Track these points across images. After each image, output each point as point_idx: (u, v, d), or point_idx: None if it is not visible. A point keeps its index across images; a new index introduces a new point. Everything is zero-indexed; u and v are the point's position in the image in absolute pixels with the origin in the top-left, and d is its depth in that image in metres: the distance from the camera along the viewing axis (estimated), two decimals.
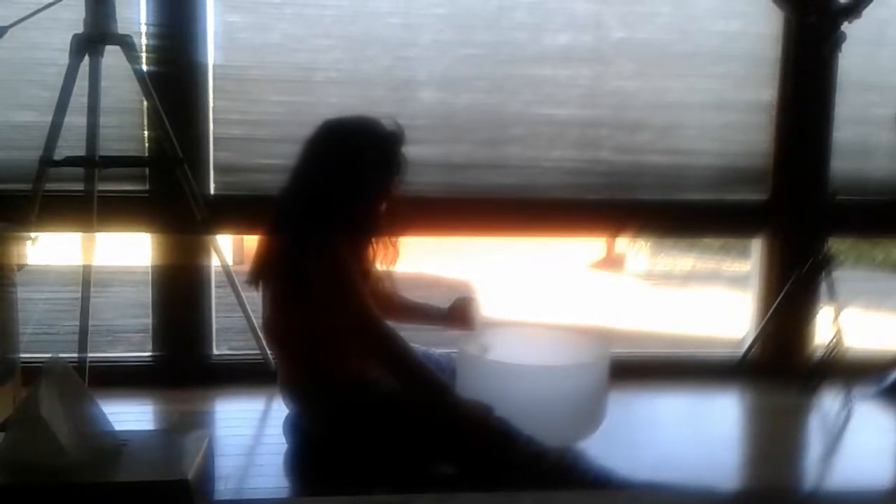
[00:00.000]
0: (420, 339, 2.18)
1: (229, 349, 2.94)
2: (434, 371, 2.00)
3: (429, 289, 3.50)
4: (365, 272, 2.07)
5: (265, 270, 2.03)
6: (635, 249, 6.59)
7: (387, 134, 2.01)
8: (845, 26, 2.55)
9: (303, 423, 2.09)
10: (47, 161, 2.38)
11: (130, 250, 3.14)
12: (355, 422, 1.95)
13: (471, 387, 2.00)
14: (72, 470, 1.22)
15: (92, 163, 2.36)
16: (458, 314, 2.23)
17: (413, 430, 1.90)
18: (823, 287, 2.74)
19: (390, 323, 1.99)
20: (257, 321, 2.68)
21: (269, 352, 2.58)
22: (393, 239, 2.10)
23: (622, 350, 2.85)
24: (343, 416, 1.97)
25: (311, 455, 2.12)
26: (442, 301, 2.31)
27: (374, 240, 2.08)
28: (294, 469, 2.13)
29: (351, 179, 1.97)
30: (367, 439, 1.93)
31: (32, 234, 2.24)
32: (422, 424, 1.90)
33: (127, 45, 2.39)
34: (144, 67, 2.49)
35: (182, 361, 2.76)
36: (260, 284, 2.04)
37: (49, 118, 2.36)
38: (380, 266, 2.12)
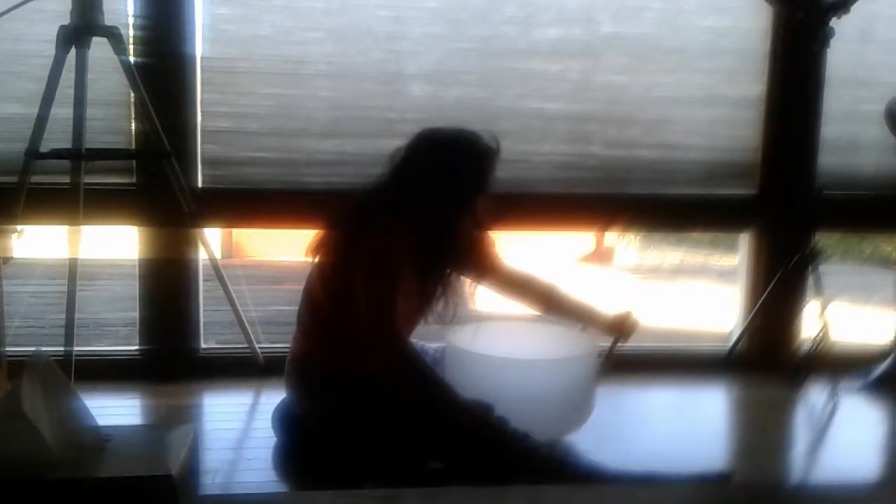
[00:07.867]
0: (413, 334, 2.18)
1: (217, 343, 2.92)
2: (438, 374, 2.00)
3: None
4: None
5: (323, 244, 2.05)
6: (624, 243, 6.60)
7: (483, 149, 2.05)
8: (834, 22, 2.56)
9: (297, 410, 2.09)
10: (33, 153, 2.36)
11: (117, 243, 3.13)
12: (354, 416, 1.95)
13: (459, 380, 2.00)
14: (54, 465, 1.21)
15: (78, 155, 2.34)
16: (620, 326, 2.31)
17: (412, 431, 1.90)
18: (810, 281, 2.75)
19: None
20: (245, 315, 2.68)
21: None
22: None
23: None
24: (343, 409, 1.97)
25: (300, 448, 2.12)
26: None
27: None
28: (282, 463, 2.12)
29: (436, 188, 2.01)
30: (361, 435, 1.93)
31: (18, 227, 2.22)
32: (421, 426, 1.89)
33: (114, 36, 2.37)
34: (132, 59, 2.47)
35: (169, 355, 2.75)
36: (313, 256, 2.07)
37: (35, 110, 2.35)
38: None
